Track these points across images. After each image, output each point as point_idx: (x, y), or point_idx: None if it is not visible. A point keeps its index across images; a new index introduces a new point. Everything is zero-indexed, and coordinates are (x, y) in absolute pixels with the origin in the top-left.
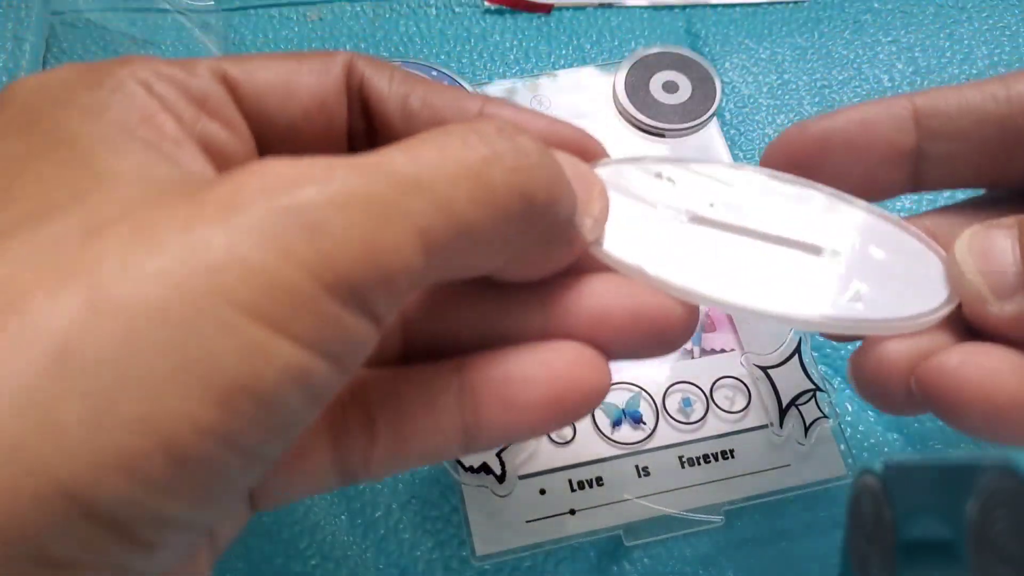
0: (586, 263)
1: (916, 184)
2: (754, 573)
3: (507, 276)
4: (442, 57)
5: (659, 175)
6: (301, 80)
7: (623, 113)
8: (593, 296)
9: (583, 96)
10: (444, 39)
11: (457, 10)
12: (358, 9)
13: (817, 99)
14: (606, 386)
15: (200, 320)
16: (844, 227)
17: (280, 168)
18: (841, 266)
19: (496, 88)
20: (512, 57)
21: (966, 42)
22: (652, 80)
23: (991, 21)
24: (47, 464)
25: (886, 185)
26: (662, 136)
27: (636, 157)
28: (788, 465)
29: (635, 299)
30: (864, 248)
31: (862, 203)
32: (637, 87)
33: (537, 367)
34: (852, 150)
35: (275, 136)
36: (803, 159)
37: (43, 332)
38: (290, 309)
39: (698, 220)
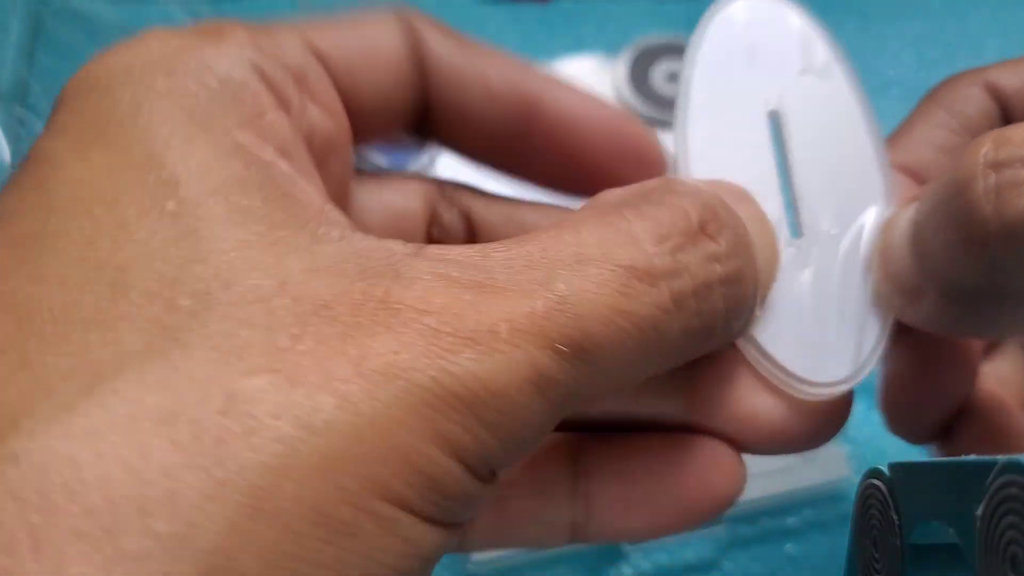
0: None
1: None
2: None
3: None
4: None
5: None
6: (378, 44)
7: (624, 104)
8: (745, 393)
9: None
10: None
11: None
12: None
13: None
14: (739, 493)
15: (361, 521)
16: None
17: (431, 321)
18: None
19: None
20: (509, 47)
21: (975, 34)
22: (654, 70)
23: (1001, 12)
24: None
25: None
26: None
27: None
28: (791, 466)
29: (783, 404)
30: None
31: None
32: (639, 78)
33: (669, 467)
34: None
35: (365, 113)
36: None
37: (198, 538)
38: (440, 497)
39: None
